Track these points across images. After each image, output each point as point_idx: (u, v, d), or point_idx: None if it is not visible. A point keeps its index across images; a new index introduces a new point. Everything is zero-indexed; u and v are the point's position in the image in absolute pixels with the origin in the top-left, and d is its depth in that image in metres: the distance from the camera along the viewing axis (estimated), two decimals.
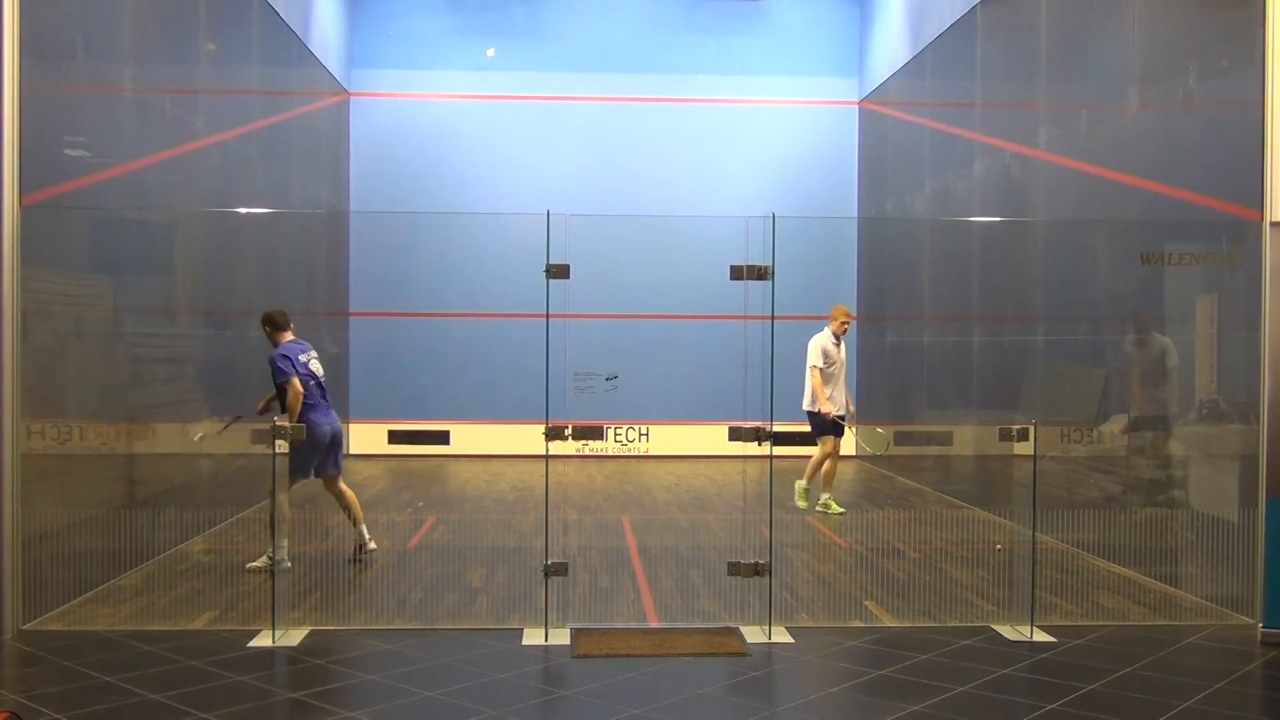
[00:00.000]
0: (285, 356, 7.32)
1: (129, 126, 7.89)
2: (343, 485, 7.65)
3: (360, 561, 7.51)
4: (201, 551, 8.08)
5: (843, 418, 9.66)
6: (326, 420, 7.45)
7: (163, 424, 8.41)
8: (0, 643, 5.76)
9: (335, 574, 7.21)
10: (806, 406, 9.63)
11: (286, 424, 6.07)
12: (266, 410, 7.52)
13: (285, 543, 6.99)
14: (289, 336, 7.53)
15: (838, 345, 9.69)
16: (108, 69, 7.57)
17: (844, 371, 9.86)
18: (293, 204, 12.07)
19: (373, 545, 7.59)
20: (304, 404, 7.27)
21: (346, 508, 7.66)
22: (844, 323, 9.80)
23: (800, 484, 9.80)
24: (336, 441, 7.58)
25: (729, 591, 6.69)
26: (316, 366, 7.53)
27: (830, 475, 9.75)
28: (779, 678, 5.41)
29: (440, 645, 5.79)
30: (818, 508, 9.72)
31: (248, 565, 7.31)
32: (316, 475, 7.54)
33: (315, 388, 7.42)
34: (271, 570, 6.72)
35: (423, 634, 5.99)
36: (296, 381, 7.22)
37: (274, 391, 7.43)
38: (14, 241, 5.99)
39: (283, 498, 6.99)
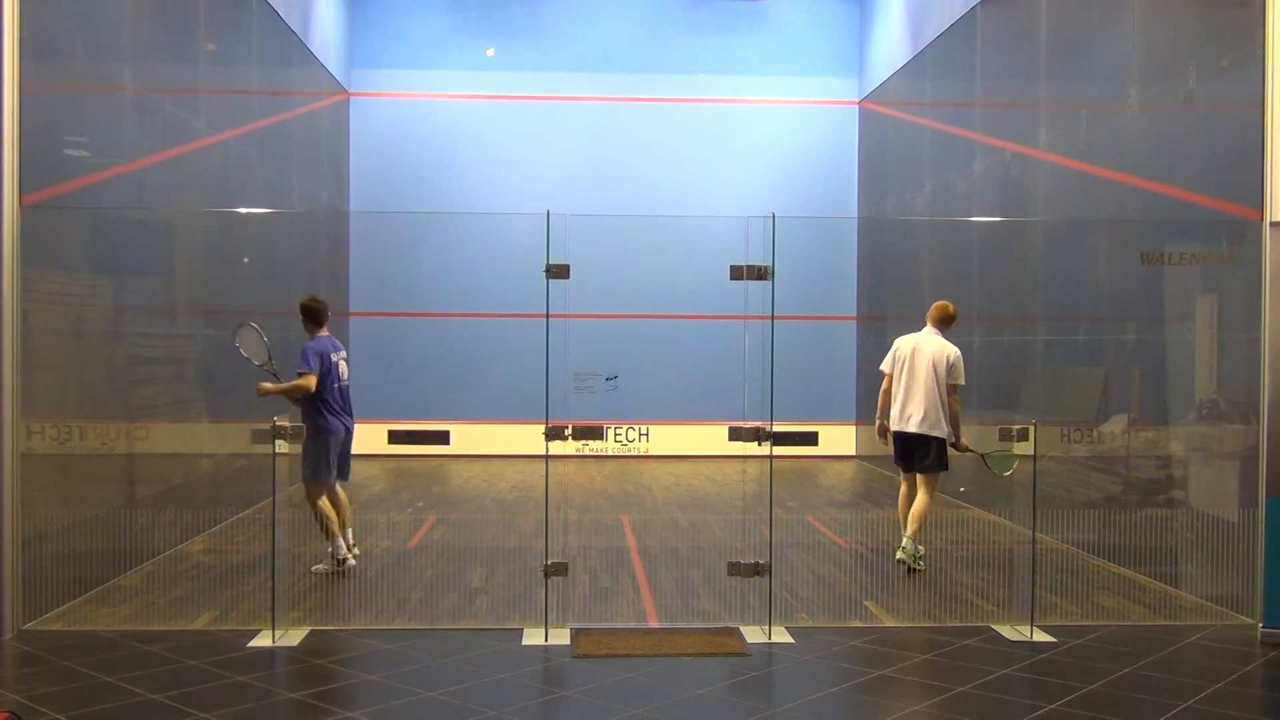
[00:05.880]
0: (317, 354, 7.24)
1: (129, 126, 7.89)
2: (340, 490, 7.55)
3: (337, 572, 7.20)
4: (201, 551, 8.08)
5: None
6: (344, 424, 7.42)
7: (162, 424, 8.41)
8: (0, 643, 5.77)
9: (335, 574, 7.20)
10: (953, 439, 7.36)
11: (287, 424, 6.05)
12: (271, 394, 7.23)
13: (340, 540, 7.24)
14: (324, 332, 7.46)
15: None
16: (108, 69, 7.57)
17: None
18: (293, 204, 12.07)
19: (352, 562, 7.32)
20: (324, 405, 7.26)
21: (339, 509, 7.41)
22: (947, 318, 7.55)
23: (908, 543, 7.35)
24: (349, 445, 7.53)
25: (729, 591, 6.70)
26: (344, 368, 7.51)
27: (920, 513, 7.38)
28: (779, 678, 5.41)
29: (440, 645, 5.79)
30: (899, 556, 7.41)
31: (312, 568, 7.26)
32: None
33: (339, 390, 7.38)
34: (336, 569, 7.12)
35: (423, 634, 5.99)
36: (313, 379, 7.15)
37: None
38: (14, 241, 5.99)
39: (320, 501, 7.22)
